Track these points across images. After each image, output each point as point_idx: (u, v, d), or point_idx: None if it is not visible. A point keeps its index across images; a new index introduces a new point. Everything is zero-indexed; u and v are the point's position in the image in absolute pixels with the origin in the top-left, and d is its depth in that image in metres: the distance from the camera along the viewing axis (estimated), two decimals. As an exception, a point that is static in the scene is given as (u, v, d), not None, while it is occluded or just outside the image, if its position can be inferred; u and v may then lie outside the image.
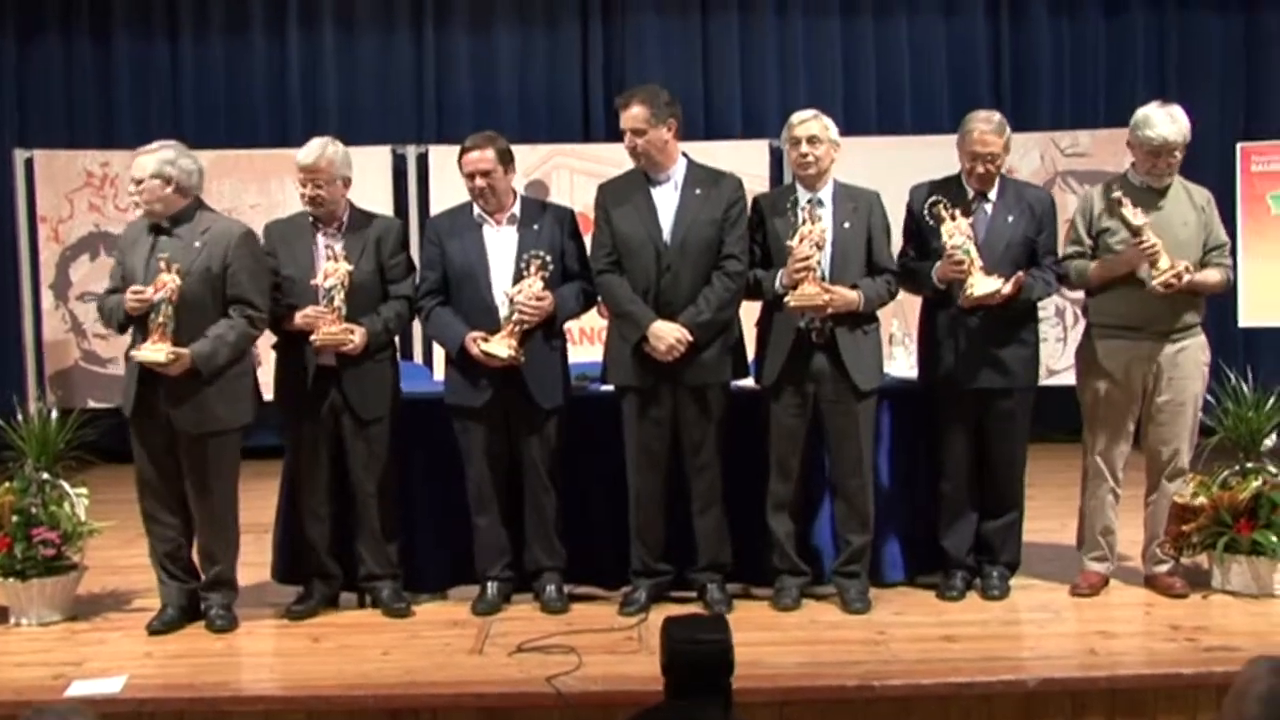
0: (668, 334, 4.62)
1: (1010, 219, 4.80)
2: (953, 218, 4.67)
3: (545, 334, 4.77)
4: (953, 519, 4.90)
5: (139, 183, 4.57)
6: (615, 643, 4.45)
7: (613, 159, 5.89)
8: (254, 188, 7.84)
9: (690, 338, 4.63)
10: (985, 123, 4.77)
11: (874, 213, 4.79)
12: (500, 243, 4.79)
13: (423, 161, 7.96)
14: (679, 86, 6.66)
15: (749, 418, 4.81)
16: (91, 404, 7.10)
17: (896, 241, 4.93)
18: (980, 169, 4.76)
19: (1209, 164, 7.00)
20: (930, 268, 4.77)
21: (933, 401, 4.93)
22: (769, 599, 4.84)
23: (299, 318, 4.69)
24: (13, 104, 8.39)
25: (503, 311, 4.71)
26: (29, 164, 7.83)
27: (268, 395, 4.83)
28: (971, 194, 4.82)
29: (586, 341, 6.99)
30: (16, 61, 8.41)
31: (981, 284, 4.64)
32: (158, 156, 4.57)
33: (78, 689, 4.07)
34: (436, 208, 6.80)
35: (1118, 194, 4.74)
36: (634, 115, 4.69)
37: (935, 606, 4.82)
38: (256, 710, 4.05)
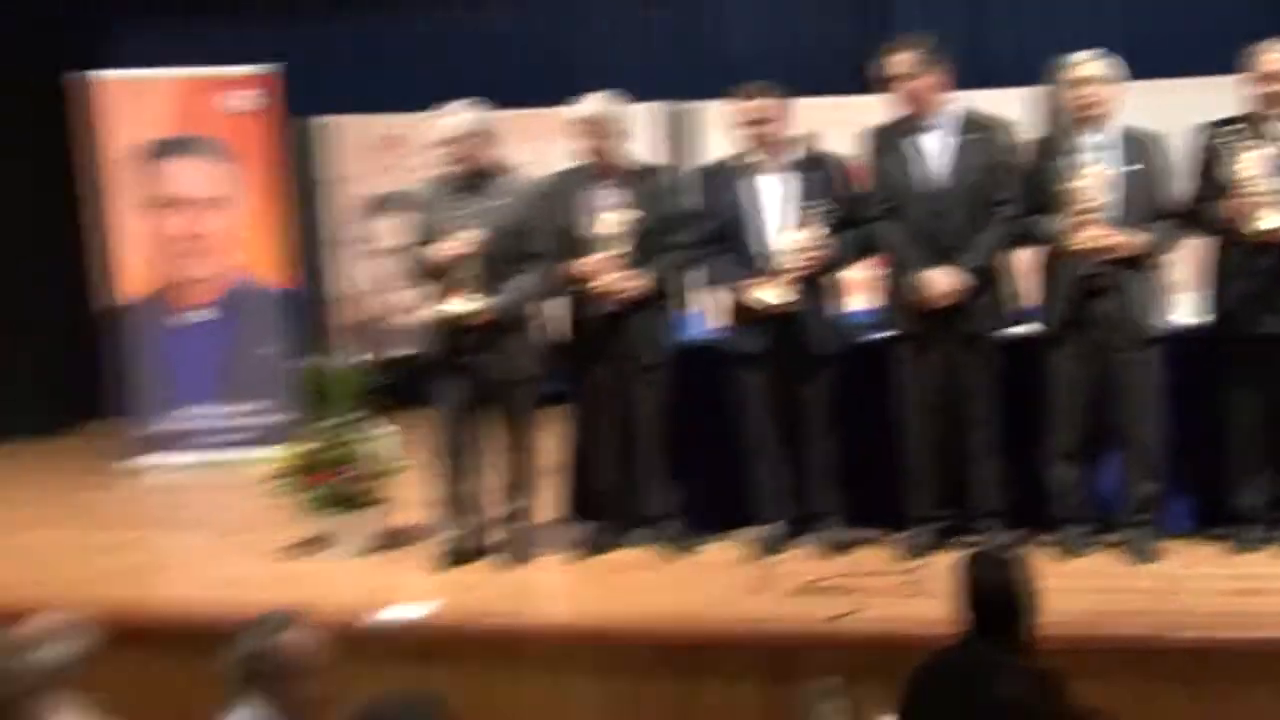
0: (941, 281, 4.60)
1: (1315, 151, 4.53)
2: (1246, 148, 4.45)
3: (820, 282, 4.81)
4: (1245, 471, 4.69)
5: (452, 142, 4.82)
6: (894, 586, 4.48)
7: (881, 110, 5.82)
8: (526, 147, 8.08)
9: (964, 284, 4.60)
10: (1277, 44, 4.52)
11: (1159, 156, 4.63)
12: (775, 191, 4.83)
13: (691, 117, 8.05)
14: (948, 32, 6.50)
15: (1025, 364, 4.73)
16: (388, 353, 7.54)
17: (1180, 187, 4.73)
18: (1270, 89, 4.49)
19: None
20: (1218, 206, 4.56)
21: (1220, 347, 4.72)
22: (1053, 546, 4.74)
23: (582, 266, 4.84)
24: (313, 73, 8.90)
25: (777, 259, 4.77)
26: (326, 130, 8.35)
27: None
28: (1267, 125, 4.55)
29: (858, 290, 6.94)
30: (312, 36, 8.92)
31: (1272, 218, 4.40)
32: (468, 115, 4.84)
33: (388, 613, 4.42)
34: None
35: None
36: (902, 61, 4.67)
37: (1228, 559, 4.63)
38: (549, 638, 4.30)
